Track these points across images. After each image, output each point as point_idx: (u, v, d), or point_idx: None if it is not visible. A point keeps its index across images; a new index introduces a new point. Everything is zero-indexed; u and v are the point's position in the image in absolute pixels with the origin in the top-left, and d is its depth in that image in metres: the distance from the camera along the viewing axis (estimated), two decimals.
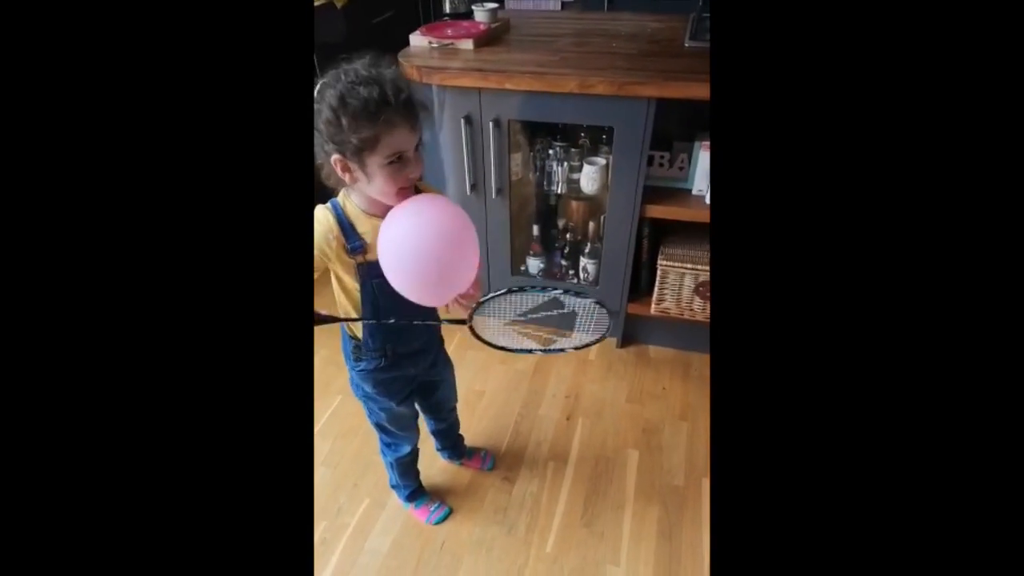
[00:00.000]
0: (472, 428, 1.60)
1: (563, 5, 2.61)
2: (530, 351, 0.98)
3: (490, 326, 0.97)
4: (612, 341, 1.89)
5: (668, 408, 1.66)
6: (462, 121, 1.53)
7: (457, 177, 1.65)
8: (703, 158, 1.53)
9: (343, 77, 0.78)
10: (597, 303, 0.94)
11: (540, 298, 0.94)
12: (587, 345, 1.00)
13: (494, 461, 1.52)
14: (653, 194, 1.57)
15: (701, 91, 1.32)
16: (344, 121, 0.77)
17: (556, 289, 0.94)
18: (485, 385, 1.75)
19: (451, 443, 1.48)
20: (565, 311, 0.96)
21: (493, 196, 1.65)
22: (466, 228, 0.86)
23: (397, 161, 0.82)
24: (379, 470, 1.47)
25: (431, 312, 1.02)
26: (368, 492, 1.45)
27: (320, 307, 0.95)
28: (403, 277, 0.84)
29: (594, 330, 0.98)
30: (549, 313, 0.96)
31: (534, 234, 1.83)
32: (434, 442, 1.47)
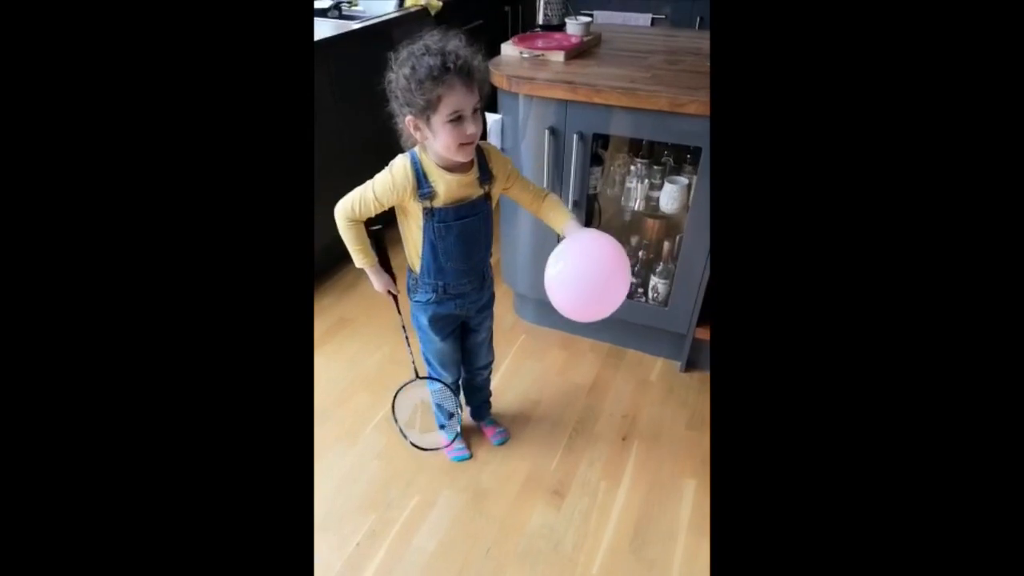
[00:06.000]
0: (524, 437, 1.60)
1: (652, 21, 2.58)
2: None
3: None
4: (675, 364, 1.84)
5: None
6: (546, 132, 1.53)
7: None
8: None
9: (415, 50, 0.98)
10: None
11: None
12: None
13: (505, 439, 1.60)
14: None
15: None
16: (413, 85, 0.96)
17: None
18: (541, 395, 1.74)
19: (476, 403, 1.60)
20: None
21: (569, 208, 1.64)
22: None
23: (457, 120, 0.98)
24: (433, 470, 1.49)
25: (483, 268, 1.27)
26: (420, 490, 1.46)
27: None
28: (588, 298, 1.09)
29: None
30: None
31: None
32: (463, 396, 1.56)
